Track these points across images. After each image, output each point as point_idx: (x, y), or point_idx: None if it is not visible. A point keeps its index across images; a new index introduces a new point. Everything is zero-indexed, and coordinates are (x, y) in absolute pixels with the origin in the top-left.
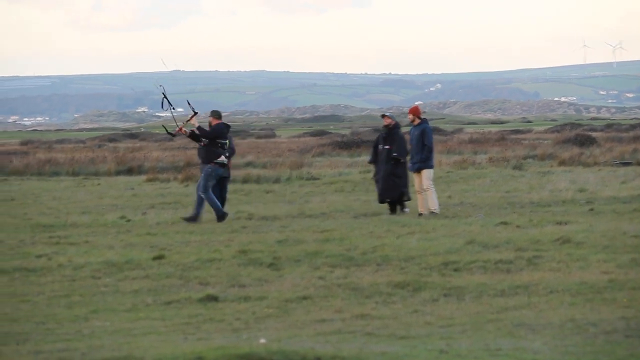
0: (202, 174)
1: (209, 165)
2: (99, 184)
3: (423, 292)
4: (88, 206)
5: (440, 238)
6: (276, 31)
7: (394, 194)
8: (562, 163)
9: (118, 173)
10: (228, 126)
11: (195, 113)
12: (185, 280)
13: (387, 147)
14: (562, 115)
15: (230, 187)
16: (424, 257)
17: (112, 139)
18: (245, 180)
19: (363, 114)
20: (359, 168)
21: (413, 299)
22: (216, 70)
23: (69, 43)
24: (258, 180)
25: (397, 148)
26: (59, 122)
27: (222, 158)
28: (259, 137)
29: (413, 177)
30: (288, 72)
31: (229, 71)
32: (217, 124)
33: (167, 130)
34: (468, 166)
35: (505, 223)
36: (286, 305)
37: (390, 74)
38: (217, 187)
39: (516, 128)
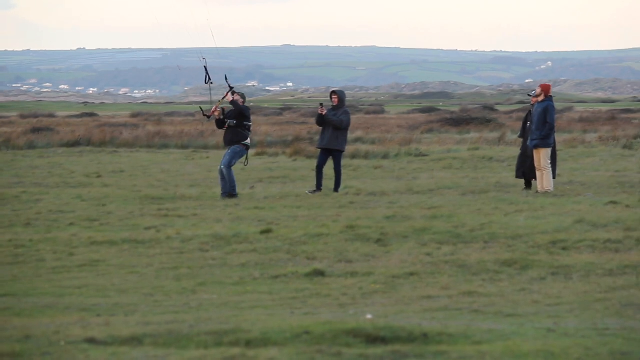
0: (230, 151)
1: (237, 145)
2: (207, 157)
3: (530, 271)
4: (197, 179)
5: (549, 216)
6: (388, 7)
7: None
8: None
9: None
10: (249, 109)
11: (232, 88)
12: (293, 254)
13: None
14: None
15: None
16: (532, 236)
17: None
18: (354, 156)
19: (473, 91)
20: (468, 145)
21: (520, 277)
22: (327, 45)
23: (182, 16)
24: (367, 156)
25: None
26: (169, 95)
27: (248, 140)
28: (368, 112)
29: (534, 153)
30: (398, 48)
31: (339, 46)
32: (244, 104)
33: (202, 112)
34: (578, 145)
35: (614, 202)
36: (393, 282)
37: (501, 51)
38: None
39: (627, 107)
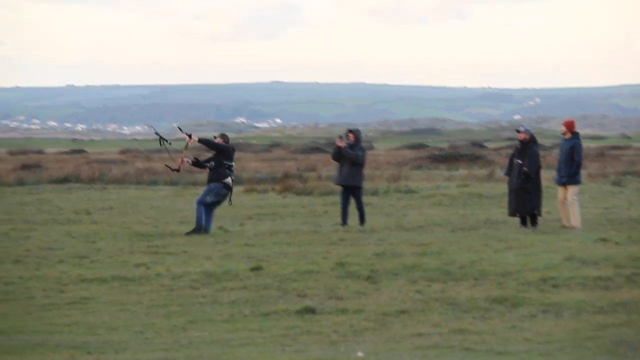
0: (206, 188)
1: (215, 183)
2: (197, 194)
3: (521, 308)
4: (186, 216)
5: (539, 253)
6: (376, 43)
7: (524, 209)
8: None
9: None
10: (234, 149)
11: (189, 135)
12: (283, 291)
13: (519, 161)
14: None
15: (328, 199)
16: (522, 273)
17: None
18: None
19: (461, 127)
20: (457, 182)
21: (511, 314)
22: (315, 82)
23: (170, 52)
24: None
25: (528, 163)
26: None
27: (229, 179)
28: None
29: (558, 189)
30: (387, 84)
31: (327, 83)
32: (224, 144)
33: (170, 168)
34: None
35: (604, 239)
36: (384, 319)
37: (489, 87)
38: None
39: (615, 144)
